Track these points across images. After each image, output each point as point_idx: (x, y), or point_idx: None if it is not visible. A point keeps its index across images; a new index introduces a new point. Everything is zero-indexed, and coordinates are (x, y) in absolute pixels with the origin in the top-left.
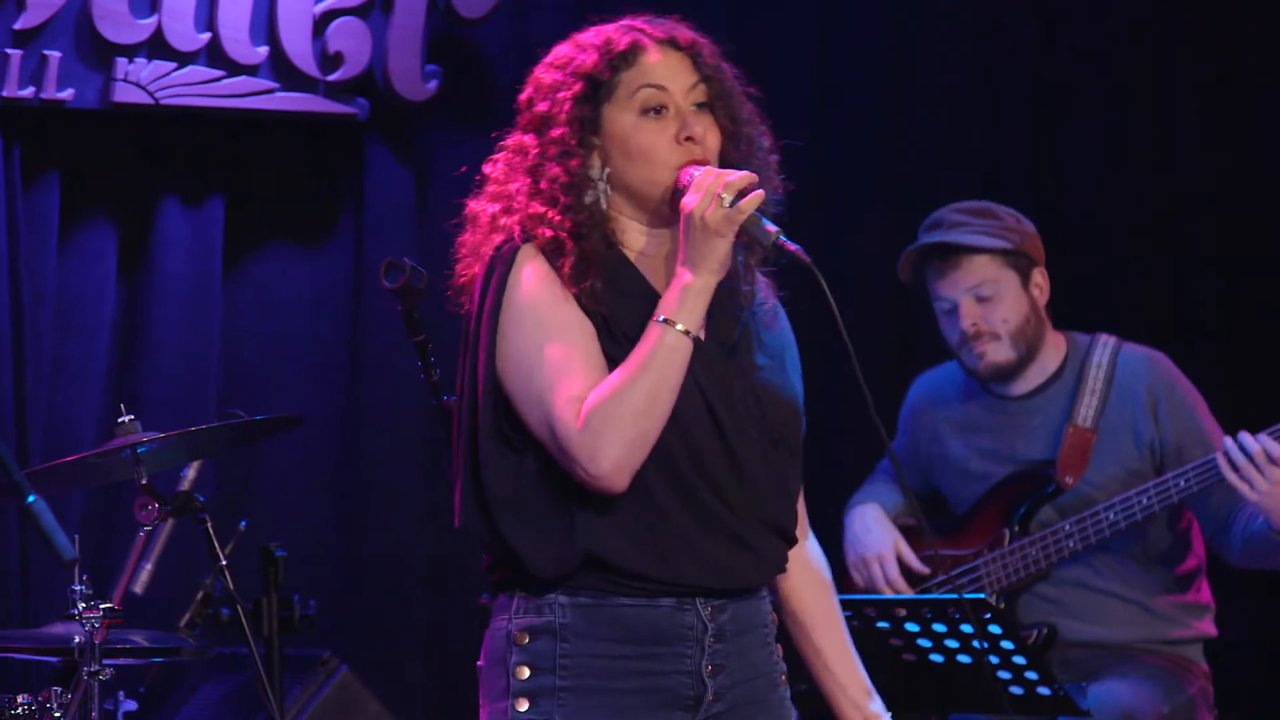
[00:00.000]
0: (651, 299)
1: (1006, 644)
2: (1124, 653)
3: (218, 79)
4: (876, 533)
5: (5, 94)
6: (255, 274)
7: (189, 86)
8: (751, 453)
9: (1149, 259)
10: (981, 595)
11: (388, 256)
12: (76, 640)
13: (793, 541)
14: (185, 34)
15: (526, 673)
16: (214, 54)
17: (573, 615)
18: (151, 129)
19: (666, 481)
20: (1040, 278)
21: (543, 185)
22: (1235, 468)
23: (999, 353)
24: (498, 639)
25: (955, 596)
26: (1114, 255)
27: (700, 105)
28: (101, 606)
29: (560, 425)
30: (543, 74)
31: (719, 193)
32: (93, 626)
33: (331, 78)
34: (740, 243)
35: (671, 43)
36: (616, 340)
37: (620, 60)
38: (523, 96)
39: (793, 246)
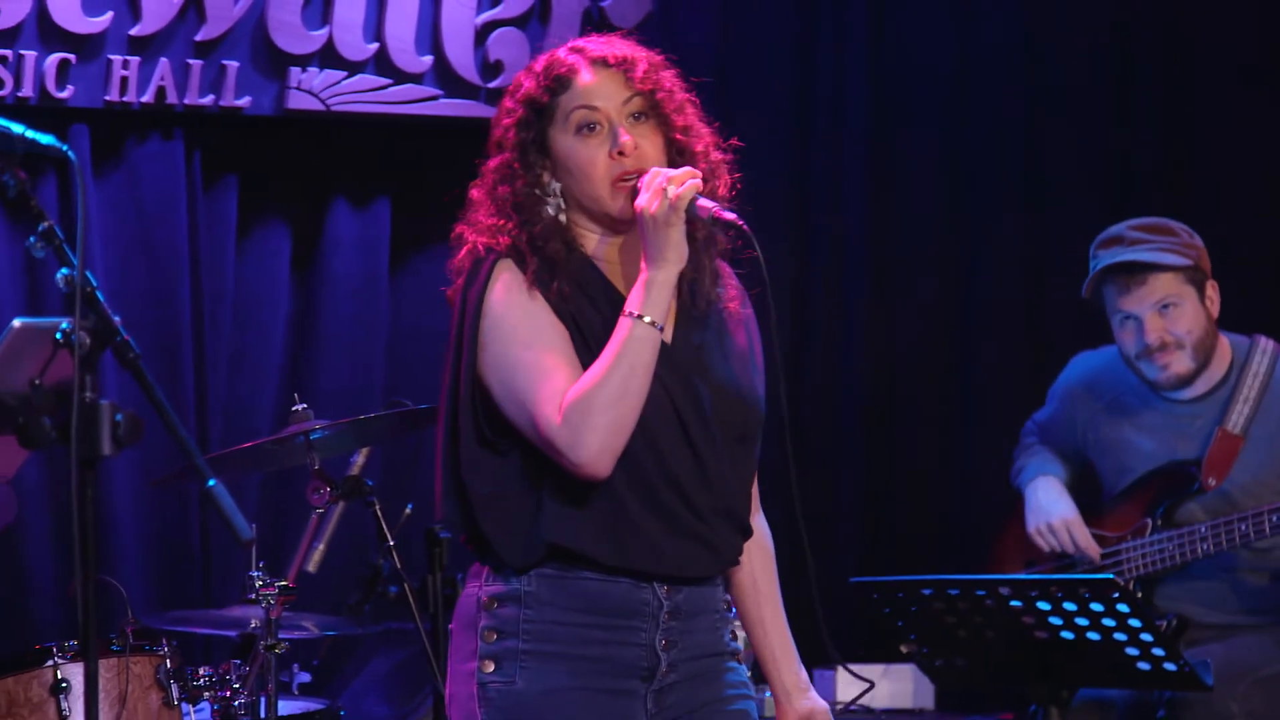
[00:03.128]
0: (615, 301)
1: (1134, 622)
2: (1249, 630)
3: (385, 87)
4: (1062, 503)
5: (187, 102)
6: (420, 271)
7: (358, 94)
8: (715, 450)
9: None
10: (1109, 576)
11: None
12: (253, 624)
13: (749, 534)
14: (355, 44)
15: (494, 637)
16: (382, 63)
17: (537, 584)
18: (323, 134)
19: (628, 480)
20: (1213, 291)
21: (497, 204)
22: None
23: (1181, 363)
24: (469, 604)
25: (1084, 577)
26: (1248, 255)
27: (637, 116)
28: (277, 584)
29: (542, 421)
30: (504, 100)
31: (663, 187)
32: (269, 603)
33: (492, 85)
34: (700, 244)
35: (604, 61)
36: (588, 344)
37: (556, 84)
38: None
39: (729, 215)
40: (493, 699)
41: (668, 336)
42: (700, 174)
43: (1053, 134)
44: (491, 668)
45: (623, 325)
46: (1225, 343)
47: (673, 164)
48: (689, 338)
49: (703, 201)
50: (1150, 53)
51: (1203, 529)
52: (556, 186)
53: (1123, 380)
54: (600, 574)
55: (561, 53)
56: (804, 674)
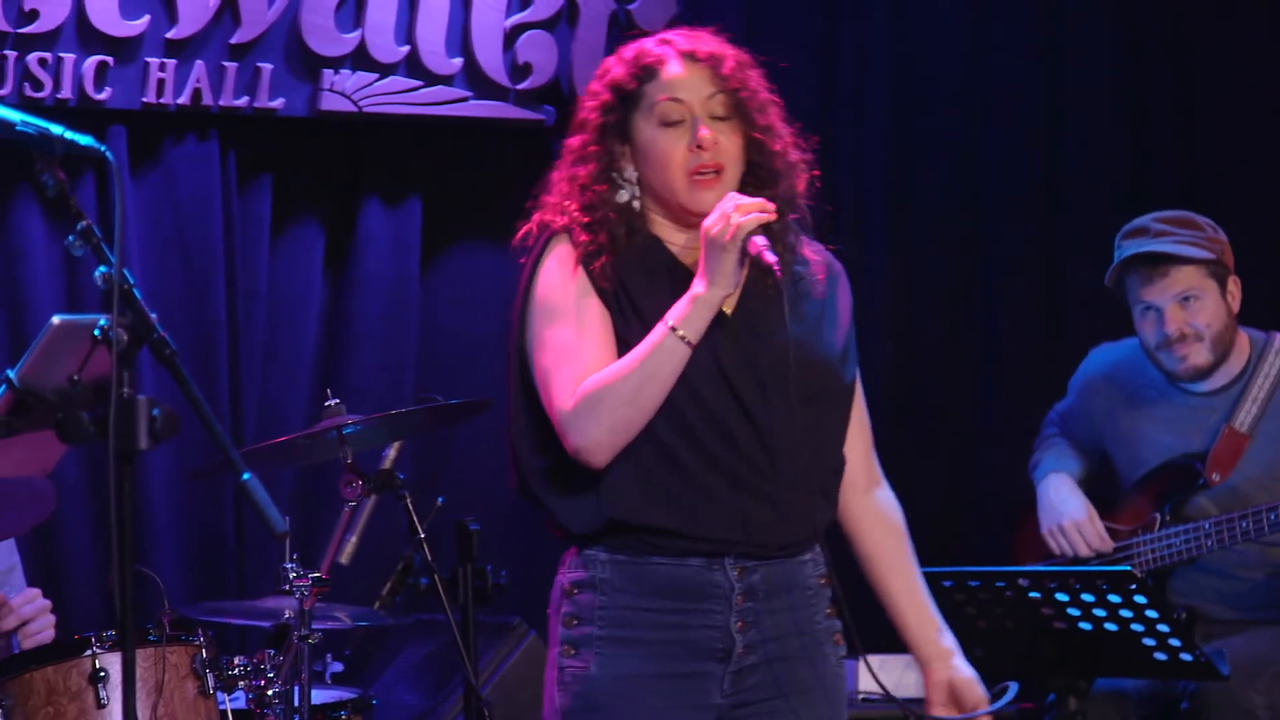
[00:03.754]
0: (683, 278)
1: (1151, 613)
2: (1263, 625)
3: (416, 88)
4: (1073, 502)
5: (222, 103)
6: (450, 270)
7: (390, 95)
8: (776, 416)
9: None
10: (1127, 568)
11: None
12: (287, 614)
13: (832, 499)
14: (386, 47)
15: (574, 623)
16: (413, 65)
17: (611, 571)
18: (355, 135)
19: (689, 449)
20: (1234, 286)
21: (567, 183)
22: None
23: (1199, 355)
24: (556, 591)
25: (1102, 569)
26: (1256, 256)
27: (720, 112)
28: (310, 576)
29: (555, 402)
30: (592, 84)
31: (728, 213)
32: (302, 594)
33: (521, 86)
34: (782, 223)
35: (692, 55)
36: (626, 319)
37: (645, 73)
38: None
39: (769, 259)
40: (569, 684)
41: (730, 306)
42: (771, 206)
43: (1069, 133)
44: (572, 653)
45: (657, 331)
46: (1244, 338)
47: (751, 162)
48: (752, 305)
49: (755, 239)
50: (1163, 54)
51: (1207, 525)
52: (634, 174)
53: (1142, 373)
54: (670, 557)
55: (650, 43)
56: (946, 640)
